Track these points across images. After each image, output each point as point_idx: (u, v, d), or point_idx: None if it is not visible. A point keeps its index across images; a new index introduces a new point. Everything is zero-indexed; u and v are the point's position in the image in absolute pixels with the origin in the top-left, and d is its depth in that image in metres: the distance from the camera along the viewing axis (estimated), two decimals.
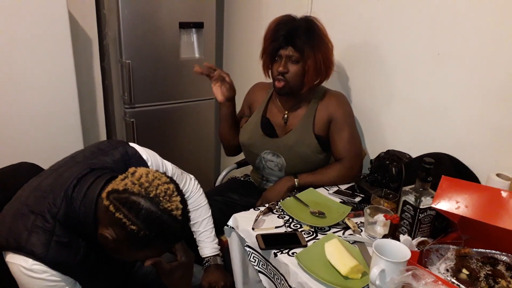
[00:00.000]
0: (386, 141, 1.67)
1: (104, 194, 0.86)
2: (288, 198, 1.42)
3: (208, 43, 2.38)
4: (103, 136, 2.56)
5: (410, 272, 0.88)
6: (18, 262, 0.87)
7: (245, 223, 1.26)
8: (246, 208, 1.36)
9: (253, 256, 1.23)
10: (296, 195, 1.41)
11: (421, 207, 1.10)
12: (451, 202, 1.03)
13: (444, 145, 1.44)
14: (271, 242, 1.17)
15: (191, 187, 1.29)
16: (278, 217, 1.32)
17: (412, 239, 1.11)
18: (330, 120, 1.52)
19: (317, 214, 1.31)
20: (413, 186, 1.14)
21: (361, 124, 1.77)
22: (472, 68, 1.34)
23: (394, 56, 1.58)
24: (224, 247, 1.37)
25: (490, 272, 0.97)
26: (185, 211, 0.88)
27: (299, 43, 1.41)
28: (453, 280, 0.96)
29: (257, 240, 1.17)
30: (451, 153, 1.39)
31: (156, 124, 2.35)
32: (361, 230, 1.25)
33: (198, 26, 2.31)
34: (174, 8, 2.21)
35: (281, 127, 1.58)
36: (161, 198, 0.84)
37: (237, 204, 1.63)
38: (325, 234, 1.23)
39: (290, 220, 1.30)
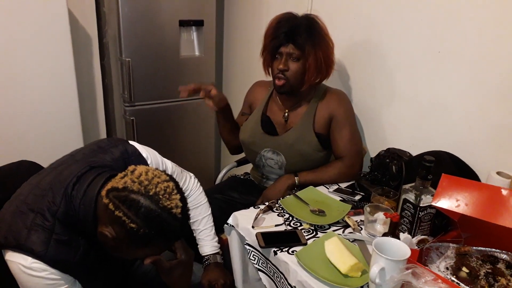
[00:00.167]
0: (386, 139, 1.67)
1: (103, 192, 0.86)
2: (288, 196, 1.42)
3: (208, 41, 2.38)
4: (103, 134, 2.56)
5: (410, 270, 0.88)
6: (17, 261, 0.87)
7: (245, 221, 1.26)
8: (246, 206, 1.36)
9: (253, 254, 1.23)
10: (296, 193, 1.41)
11: (421, 205, 1.10)
12: (451, 200, 1.03)
13: (445, 143, 1.44)
14: (271, 240, 1.17)
15: (191, 185, 1.28)
16: (278, 215, 1.31)
17: (412, 237, 1.11)
18: (331, 118, 1.52)
19: (317, 212, 1.30)
20: (413, 184, 1.14)
21: (362, 122, 1.76)
22: (473, 66, 1.33)
23: (395, 54, 1.58)
24: (224, 245, 1.37)
25: (490, 270, 0.97)
26: (185, 209, 0.88)
27: (300, 40, 1.41)
28: (453, 279, 0.96)
29: (257, 238, 1.17)
30: (451, 151, 1.38)
31: (156, 122, 2.35)
32: (361, 228, 1.25)
33: (198, 24, 2.31)
34: (174, 5, 2.21)
35: (282, 125, 1.58)
36: (160, 196, 0.84)
37: (237, 202, 1.63)
38: (325, 232, 1.23)
39: (290, 218, 1.30)
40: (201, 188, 1.32)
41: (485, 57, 1.30)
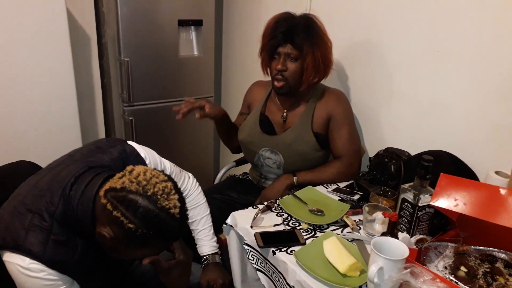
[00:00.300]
0: (385, 139, 1.67)
1: (101, 193, 0.86)
2: (286, 196, 1.42)
3: (207, 41, 2.38)
4: (101, 135, 2.56)
5: (408, 270, 0.88)
6: (15, 261, 0.87)
7: (244, 221, 1.26)
8: (245, 206, 1.36)
9: (252, 254, 1.23)
10: (295, 193, 1.41)
11: (419, 204, 1.10)
12: (450, 200, 1.03)
13: (443, 142, 1.44)
14: (269, 240, 1.17)
15: (190, 185, 1.28)
16: (276, 215, 1.31)
17: (411, 237, 1.11)
18: (329, 118, 1.52)
19: (315, 212, 1.30)
20: (411, 183, 1.14)
21: (361, 122, 1.76)
22: (472, 66, 1.33)
23: (394, 54, 1.58)
24: (222, 245, 1.37)
25: (488, 270, 0.97)
26: (183, 210, 0.88)
27: (298, 40, 1.40)
28: (451, 278, 0.96)
29: (256, 238, 1.17)
30: (450, 150, 1.38)
31: (155, 122, 2.34)
32: (360, 228, 1.25)
33: (197, 23, 2.31)
34: (173, 5, 2.20)
35: (280, 125, 1.58)
36: (158, 196, 0.84)
37: (235, 202, 1.63)
38: (324, 232, 1.23)
39: (289, 218, 1.30)
40: (199, 188, 1.32)
41: (485, 57, 1.29)
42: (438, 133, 1.47)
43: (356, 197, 1.41)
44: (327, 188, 1.49)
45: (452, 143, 1.41)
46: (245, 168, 1.88)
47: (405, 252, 0.91)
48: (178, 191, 0.89)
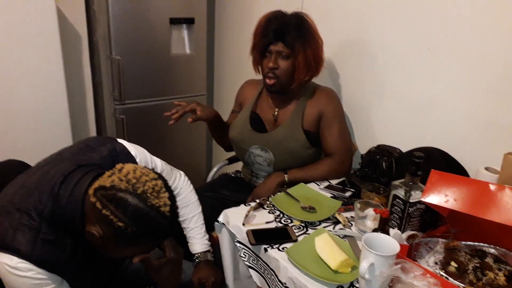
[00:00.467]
0: (377, 136, 1.67)
1: (91, 191, 0.85)
2: (278, 193, 1.41)
3: (199, 39, 2.36)
4: (93, 133, 2.54)
5: (399, 266, 0.89)
6: (3, 261, 0.86)
7: (236, 219, 1.26)
8: (237, 204, 1.36)
9: (244, 252, 1.23)
10: (287, 190, 1.41)
11: (410, 201, 1.10)
12: (440, 196, 1.03)
13: (434, 139, 1.44)
14: (261, 237, 1.17)
15: (181, 183, 1.28)
16: (268, 212, 1.31)
17: (402, 233, 1.11)
18: (320, 115, 1.52)
19: (307, 209, 1.30)
20: (403, 180, 1.14)
21: (352, 120, 1.77)
22: (462, 63, 1.34)
23: (385, 51, 1.58)
24: (214, 243, 1.37)
25: (478, 265, 0.97)
26: (174, 208, 0.87)
27: (289, 38, 1.40)
28: (442, 273, 0.97)
29: (248, 236, 1.17)
30: (441, 147, 1.39)
31: (147, 121, 2.33)
32: (352, 225, 1.25)
33: (189, 21, 2.30)
34: (164, 3, 2.19)
35: (271, 123, 1.58)
36: (148, 195, 0.83)
37: (228, 200, 1.63)
38: (316, 228, 1.23)
39: (281, 215, 1.29)
40: (191, 186, 1.31)
41: (475, 54, 1.30)
42: (429, 130, 1.48)
43: (348, 194, 1.42)
44: (319, 185, 1.49)
45: (443, 140, 1.42)
46: (237, 166, 1.88)
47: (396, 248, 0.92)
48: (168, 189, 0.88)
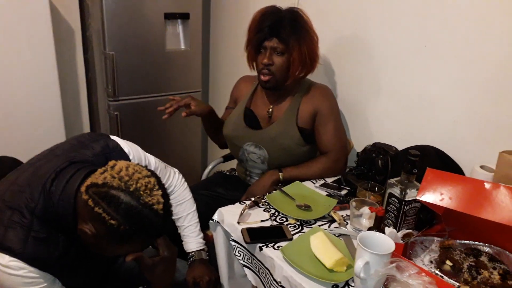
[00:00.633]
0: (372, 134, 1.67)
1: (83, 188, 0.84)
2: (274, 191, 1.41)
3: (194, 34, 2.35)
4: (86, 130, 2.52)
5: (394, 264, 0.88)
6: None
7: (231, 217, 1.25)
8: (232, 202, 1.35)
9: (238, 250, 1.22)
10: (282, 188, 1.40)
11: (406, 199, 1.10)
12: (436, 194, 1.03)
13: (430, 137, 1.44)
14: (256, 235, 1.16)
15: (175, 181, 1.26)
16: (263, 210, 1.30)
17: (397, 232, 1.11)
18: (315, 113, 1.51)
19: (303, 208, 1.30)
20: (398, 178, 1.14)
21: (348, 117, 1.76)
22: (459, 61, 1.34)
23: (381, 48, 1.58)
24: (209, 241, 1.36)
25: (473, 263, 0.97)
26: (167, 205, 0.86)
27: (284, 34, 1.39)
28: (437, 272, 0.96)
29: (242, 234, 1.16)
30: (436, 145, 1.39)
31: (141, 117, 2.31)
32: (347, 223, 1.25)
33: (184, 17, 2.28)
34: None
35: (265, 119, 1.57)
36: (141, 192, 0.82)
37: (223, 198, 1.62)
38: (311, 227, 1.22)
39: (276, 213, 1.29)
40: (185, 184, 1.30)
41: (472, 52, 1.30)
42: (425, 128, 1.47)
43: (343, 192, 1.41)
44: (314, 184, 1.48)
45: (439, 138, 1.42)
46: (232, 164, 1.87)
47: (391, 247, 0.91)
48: (161, 186, 0.87)
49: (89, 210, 0.82)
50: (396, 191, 1.12)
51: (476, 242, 1.04)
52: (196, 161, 2.67)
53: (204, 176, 1.88)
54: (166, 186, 0.92)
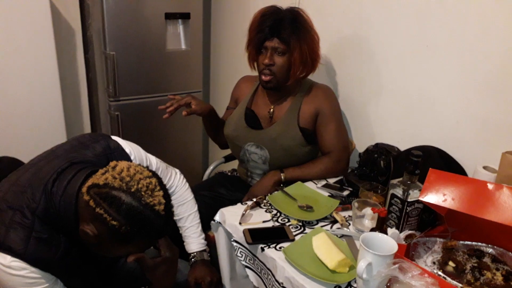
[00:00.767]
0: (374, 134, 1.66)
1: (84, 189, 0.84)
2: (276, 192, 1.40)
3: (195, 34, 2.34)
4: (87, 130, 2.51)
5: (396, 265, 0.88)
6: None
7: (232, 218, 1.24)
8: (233, 202, 1.35)
9: (240, 251, 1.22)
10: (284, 189, 1.40)
11: (408, 200, 1.10)
12: (438, 195, 1.02)
13: (432, 138, 1.44)
14: (258, 236, 1.16)
15: (177, 181, 1.26)
16: (265, 211, 1.30)
17: (400, 232, 1.11)
18: (316, 113, 1.51)
19: (305, 208, 1.29)
20: (401, 179, 1.14)
21: (350, 117, 1.76)
22: (461, 61, 1.33)
23: (383, 48, 1.57)
24: (211, 242, 1.36)
25: (476, 265, 0.97)
26: (168, 206, 0.86)
27: (285, 34, 1.39)
28: (440, 273, 0.96)
29: (244, 235, 1.16)
30: (439, 146, 1.39)
31: (142, 117, 2.31)
32: (349, 224, 1.24)
33: (185, 17, 2.27)
34: None
35: (266, 120, 1.57)
36: (143, 193, 0.82)
37: (224, 198, 1.62)
38: (313, 228, 1.22)
39: (278, 214, 1.28)
40: (187, 184, 1.29)
41: (473, 52, 1.29)
42: (427, 128, 1.47)
43: (345, 192, 1.41)
44: (316, 184, 1.48)
45: (441, 138, 1.41)
46: (234, 164, 1.87)
47: (394, 248, 0.91)
48: (163, 187, 0.87)
49: (90, 210, 0.81)
50: (398, 191, 1.12)
51: (479, 243, 1.03)
52: (197, 161, 2.67)
53: (205, 177, 1.88)
54: (167, 187, 0.92)
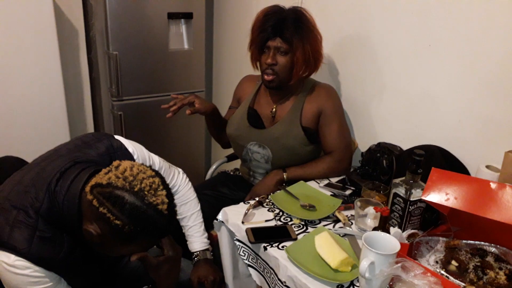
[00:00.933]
0: (377, 134, 1.66)
1: (87, 188, 0.85)
2: (278, 191, 1.40)
3: (197, 34, 2.35)
4: (90, 130, 2.52)
5: (399, 264, 0.88)
6: (0, 258, 0.85)
7: (235, 217, 1.25)
8: (236, 202, 1.35)
9: (243, 250, 1.22)
10: (286, 188, 1.40)
11: (411, 199, 1.09)
12: (441, 194, 1.02)
13: (435, 137, 1.44)
14: (261, 235, 1.16)
15: (179, 181, 1.26)
16: (268, 210, 1.30)
17: (402, 232, 1.11)
18: (319, 112, 1.51)
19: (307, 207, 1.30)
20: (403, 178, 1.13)
21: (352, 117, 1.76)
22: (463, 60, 1.33)
23: (385, 47, 1.57)
24: (213, 241, 1.36)
25: (479, 264, 0.97)
26: (171, 206, 0.86)
27: (287, 34, 1.39)
28: (442, 272, 0.96)
29: (247, 234, 1.16)
30: (441, 145, 1.39)
31: (145, 117, 2.31)
32: (352, 223, 1.25)
33: (187, 16, 2.28)
34: None
35: (269, 119, 1.57)
36: (146, 192, 0.82)
37: (227, 198, 1.62)
38: (316, 227, 1.22)
39: (280, 213, 1.29)
40: (190, 183, 1.30)
41: (476, 51, 1.29)
42: (430, 127, 1.47)
43: (348, 192, 1.41)
44: (319, 183, 1.48)
45: (444, 137, 1.41)
46: (236, 164, 1.87)
47: (397, 247, 0.91)
48: (166, 186, 0.87)
49: (93, 210, 0.82)
50: (401, 191, 1.12)
51: (482, 242, 1.03)
52: (199, 161, 2.67)
53: (208, 176, 1.88)
54: (170, 186, 0.92)
